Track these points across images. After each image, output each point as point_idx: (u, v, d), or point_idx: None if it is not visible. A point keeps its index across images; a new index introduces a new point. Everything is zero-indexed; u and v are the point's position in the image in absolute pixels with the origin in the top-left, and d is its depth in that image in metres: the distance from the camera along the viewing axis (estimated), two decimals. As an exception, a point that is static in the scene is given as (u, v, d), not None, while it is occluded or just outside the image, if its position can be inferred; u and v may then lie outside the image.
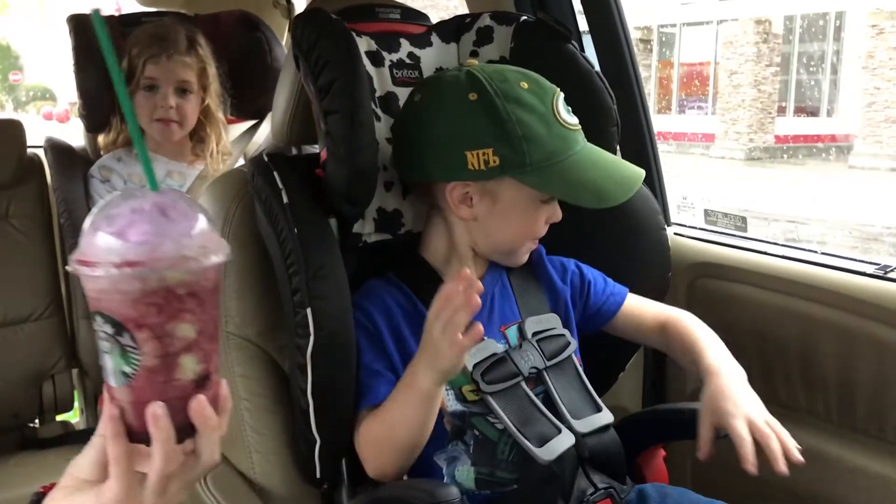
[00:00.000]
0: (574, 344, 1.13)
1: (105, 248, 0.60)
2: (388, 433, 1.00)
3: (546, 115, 1.03)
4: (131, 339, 0.60)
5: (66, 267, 0.62)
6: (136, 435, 0.63)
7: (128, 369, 0.61)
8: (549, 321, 1.14)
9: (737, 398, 1.03)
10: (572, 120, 1.06)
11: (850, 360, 1.31)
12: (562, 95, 1.06)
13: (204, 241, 0.62)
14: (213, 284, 0.64)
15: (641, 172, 1.08)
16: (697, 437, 1.04)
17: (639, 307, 1.22)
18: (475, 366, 1.04)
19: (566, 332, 1.14)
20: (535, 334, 1.11)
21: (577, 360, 1.13)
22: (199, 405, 0.63)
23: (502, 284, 1.16)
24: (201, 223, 0.63)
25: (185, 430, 0.63)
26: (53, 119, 18.47)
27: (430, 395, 0.95)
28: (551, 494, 1.02)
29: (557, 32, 1.19)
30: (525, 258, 1.14)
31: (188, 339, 0.62)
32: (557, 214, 1.10)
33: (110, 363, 0.62)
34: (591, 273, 1.22)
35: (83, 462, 0.66)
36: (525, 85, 1.04)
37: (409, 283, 1.12)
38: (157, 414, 0.61)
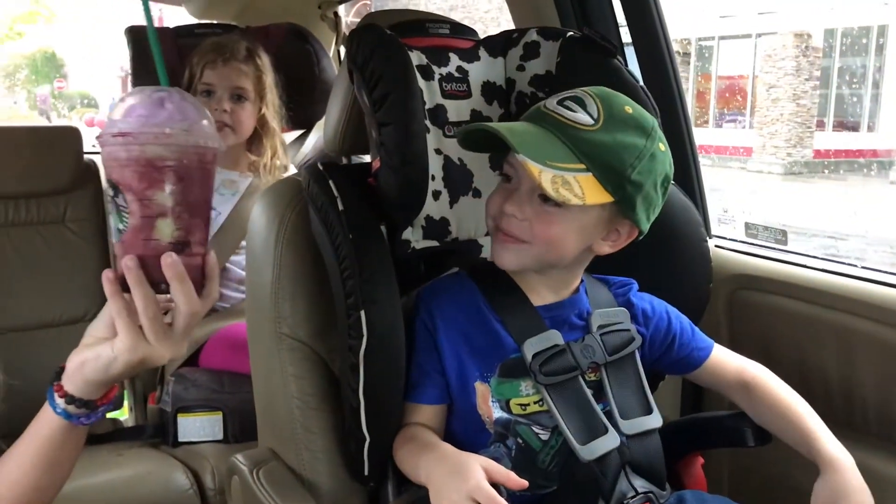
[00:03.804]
0: (638, 340, 1.13)
1: (109, 125, 0.75)
2: (401, 461, 1.07)
3: (539, 105, 1.07)
4: (123, 200, 0.74)
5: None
6: (124, 283, 0.76)
7: (121, 226, 0.75)
8: (617, 315, 1.14)
9: (857, 500, 1.04)
10: (553, 108, 1.04)
11: (890, 373, 1.32)
12: (576, 93, 1.05)
13: (193, 130, 0.76)
14: (196, 165, 0.76)
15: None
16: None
17: (720, 362, 1.20)
18: (535, 356, 1.06)
19: (632, 327, 1.14)
20: (599, 328, 1.11)
21: (638, 358, 1.14)
22: (168, 258, 0.75)
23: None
24: (200, 119, 0.77)
25: (157, 282, 0.77)
26: (95, 125, 18.84)
27: (420, 481, 1.00)
28: (592, 496, 1.04)
29: (602, 47, 1.21)
30: (494, 253, 1.09)
31: (164, 207, 0.75)
32: (507, 202, 1.05)
33: (111, 222, 0.77)
34: (680, 322, 1.20)
35: (99, 324, 0.82)
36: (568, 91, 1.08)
37: (479, 282, 1.14)
38: (128, 265, 0.75)
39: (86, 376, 0.82)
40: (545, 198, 1.02)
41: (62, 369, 0.84)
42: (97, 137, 0.76)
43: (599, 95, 1.04)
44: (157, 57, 0.84)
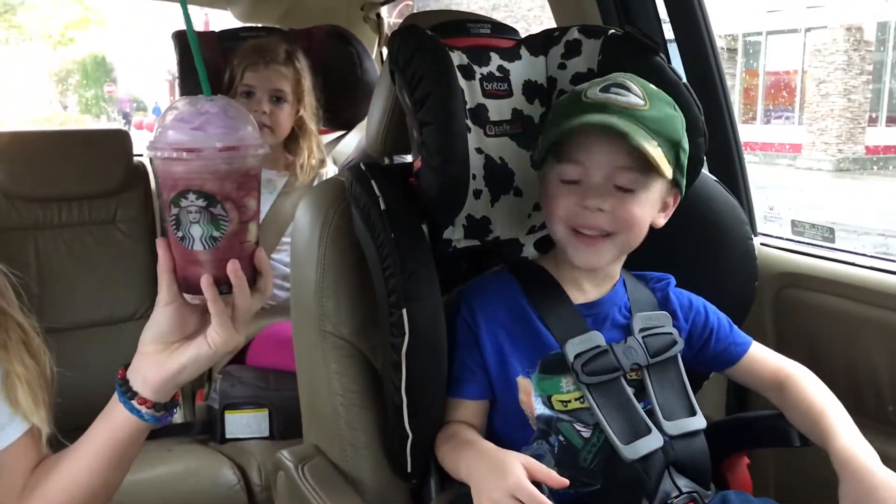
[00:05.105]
0: (680, 343, 1.13)
1: (203, 138, 0.76)
2: (443, 458, 1.09)
3: (574, 98, 1.08)
4: (222, 209, 0.78)
5: (157, 154, 0.76)
6: (220, 286, 0.81)
7: (216, 234, 0.79)
8: (659, 319, 1.14)
9: (881, 497, 0.99)
10: (603, 97, 1.05)
11: (942, 373, 1.29)
12: (614, 80, 1.07)
13: (262, 139, 0.81)
14: (260, 170, 0.83)
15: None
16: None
17: (759, 359, 1.19)
18: (577, 356, 1.07)
19: (674, 331, 1.14)
20: (641, 330, 1.12)
21: (680, 361, 1.13)
22: (260, 254, 0.84)
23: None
24: (251, 122, 0.81)
25: (251, 279, 0.84)
26: (144, 128, 19.20)
27: (462, 478, 1.02)
28: (635, 495, 1.04)
29: (645, 45, 1.20)
30: (578, 258, 1.10)
31: (253, 210, 0.81)
32: (587, 198, 1.06)
33: (199, 231, 0.79)
34: (717, 318, 1.20)
35: (160, 330, 0.86)
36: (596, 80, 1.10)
37: (521, 280, 1.15)
38: (235, 268, 0.80)
39: (179, 381, 0.88)
40: (617, 185, 1.06)
41: (126, 379, 0.89)
42: (191, 150, 0.76)
43: (633, 78, 1.09)
44: (198, 63, 0.85)
